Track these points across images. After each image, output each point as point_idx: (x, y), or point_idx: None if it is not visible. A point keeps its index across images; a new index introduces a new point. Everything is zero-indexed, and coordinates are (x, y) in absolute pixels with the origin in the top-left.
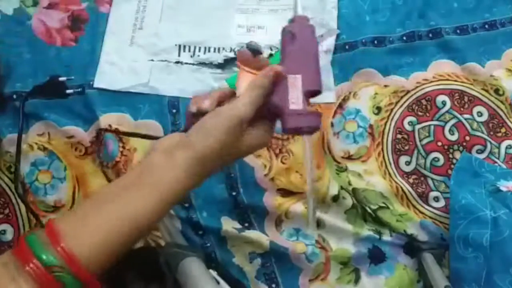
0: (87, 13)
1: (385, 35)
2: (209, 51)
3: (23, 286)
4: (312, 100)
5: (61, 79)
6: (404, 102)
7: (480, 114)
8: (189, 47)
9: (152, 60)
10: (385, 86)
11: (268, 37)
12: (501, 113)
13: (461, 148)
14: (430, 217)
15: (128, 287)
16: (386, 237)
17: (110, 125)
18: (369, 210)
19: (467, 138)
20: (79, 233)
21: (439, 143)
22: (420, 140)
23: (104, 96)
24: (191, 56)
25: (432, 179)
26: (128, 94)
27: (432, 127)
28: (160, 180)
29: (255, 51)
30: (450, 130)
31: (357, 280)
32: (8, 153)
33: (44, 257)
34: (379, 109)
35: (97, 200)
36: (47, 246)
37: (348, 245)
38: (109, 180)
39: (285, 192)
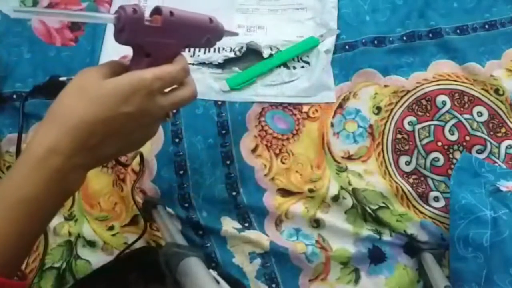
0: None
1: (385, 35)
2: (209, 51)
3: None
4: (312, 100)
5: (61, 79)
6: (404, 102)
7: (480, 114)
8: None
9: None
10: (385, 86)
11: (268, 37)
12: (501, 113)
13: (461, 148)
14: (430, 217)
15: (129, 287)
16: (386, 237)
17: None
18: (369, 210)
19: (467, 138)
20: None
21: (439, 143)
22: (420, 140)
23: None
24: (191, 56)
25: (432, 179)
26: None
27: (432, 127)
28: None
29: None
30: (450, 130)
31: (357, 280)
32: (8, 153)
33: None
34: (379, 109)
35: None
36: None
37: (348, 245)
38: (109, 181)
39: (285, 192)
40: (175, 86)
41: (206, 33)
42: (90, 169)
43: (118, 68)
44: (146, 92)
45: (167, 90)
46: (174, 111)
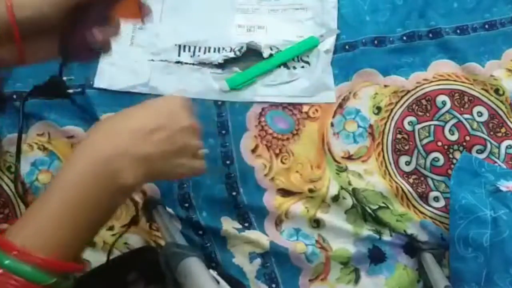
0: None
1: (385, 35)
2: (209, 51)
3: None
4: (312, 100)
5: (64, 78)
6: (404, 102)
7: (480, 114)
8: (189, 47)
9: (152, 60)
10: (385, 86)
11: (268, 37)
12: (501, 113)
13: (461, 148)
14: (430, 217)
15: (128, 287)
16: (386, 237)
17: None
18: (369, 210)
19: (467, 138)
20: (25, 228)
21: (439, 143)
22: (420, 140)
23: (104, 96)
24: (191, 56)
25: (432, 179)
26: (128, 94)
27: (432, 127)
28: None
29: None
30: (450, 130)
31: (357, 280)
32: (8, 153)
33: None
34: (379, 109)
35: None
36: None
37: (348, 245)
38: None
39: (285, 192)
40: None
41: None
42: (149, 176)
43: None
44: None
45: None
46: None
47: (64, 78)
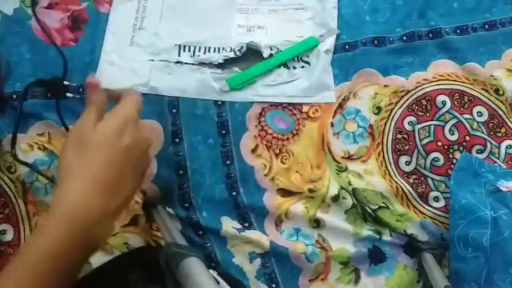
0: (87, 13)
1: (385, 35)
2: (209, 51)
3: None
4: (312, 100)
5: (65, 83)
6: (404, 102)
7: (480, 114)
8: (189, 47)
9: (152, 60)
10: (385, 86)
11: (268, 37)
12: (501, 113)
13: (461, 148)
14: (430, 217)
15: (129, 287)
16: (386, 237)
17: None
18: (369, 210)
19: (467, 138)
20: None
21: (439, 143)
22: (420, 140)
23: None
24: (191, 56)
25: (432, 179)
26: None
27: (432, 127)
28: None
29: None
30: (450, 130)
31: (357, 280)
32: (9, 153)
33: None
34: (379, 109)
35: None
36: None
37: (348, 245)
38: None
39: (285, 192)
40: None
41: None
42: (118, 214)
43: (102, 108)
44: (133, 121)
45: None
46: None
47: (67, 83)
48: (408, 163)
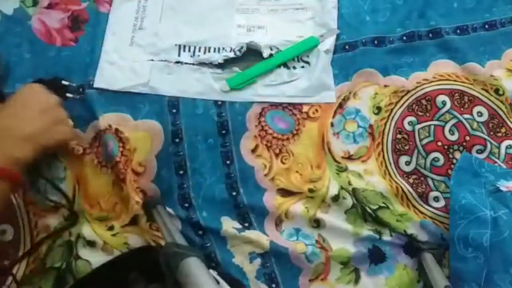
0: (87, 13)
1: (385, 35)
2: (209, 51)
3: None
4: (312, 100)
5: (64, 82)
6: (404, 102)
7: (480, 114)
8: (189, 47)
9: (152, 60)
10: (385, 86)
11: (268, 37)
12: (501, 113)
13: (461, 148)
14: (430, 217)
15: (129, 287)
16: (386, 237)
17: (110, 125)
18: (369, 210)
19: (467, 138)
20: None
21: (439, 143)
22: (420, 140)
23: (104, 96)
24: (191, 56)
25: (432, 179)
26: (128, 94)
27: (432, 127)
28: None
29: None
30: (450, 130)
31: (357, 280)
32: None
33: None
34: (379, 109)
35: None
36: None
37: (348, 245)
38: (109, 181)
39: (285, 192)
40: None
41: None
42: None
43: None
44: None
45: None
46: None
47: (67, 83)
48: (408, 163)
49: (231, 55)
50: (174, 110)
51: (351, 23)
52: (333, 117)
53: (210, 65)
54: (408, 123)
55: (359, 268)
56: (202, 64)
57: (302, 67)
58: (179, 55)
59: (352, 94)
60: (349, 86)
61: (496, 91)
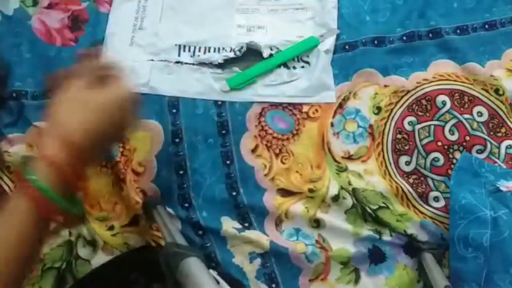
0: (87, 13)
1: (385, 35)
2: (209, 51)
3: None
4: (312, 100)
5: None
6: (404, 102)
7: (480, 114)
8: (189, 47)
9: (152, 60)
10: (385, 86)
11: (268, 37)
12: (501, 113)
13: (461, 148)
14: (430, 217)
15: (129, 287)
16: (386, 237)
17: None
18: (369, 210)
19: (467, 138)
20: None
21: (439, 143)
22: (420, 140)
23: None
24: (191, 56)
25: (432, 179)
26: None
27: (432, 127)
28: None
29: None
30: (450, 130)
31: (357, 280)
32: (7, 153)
33: None
34: (379, 109)
35: None
36: None
37: (348, 245)
38: (109, 181)
39: (285, 192)
40: None
41: None
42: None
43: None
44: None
45: None
46: None
47: None
48: (408, 163)
49: (231, 55)
50: (174, 110)
51: (351, 23)
52: (333, 117)
53: (210, 65)
54: (408, 123)
55: (359, 268)
56: (202, 64)
57: (302, 67)
58: (179, 55)
59: (352, 94)
60: (349, 86)
61: (496, 91)
